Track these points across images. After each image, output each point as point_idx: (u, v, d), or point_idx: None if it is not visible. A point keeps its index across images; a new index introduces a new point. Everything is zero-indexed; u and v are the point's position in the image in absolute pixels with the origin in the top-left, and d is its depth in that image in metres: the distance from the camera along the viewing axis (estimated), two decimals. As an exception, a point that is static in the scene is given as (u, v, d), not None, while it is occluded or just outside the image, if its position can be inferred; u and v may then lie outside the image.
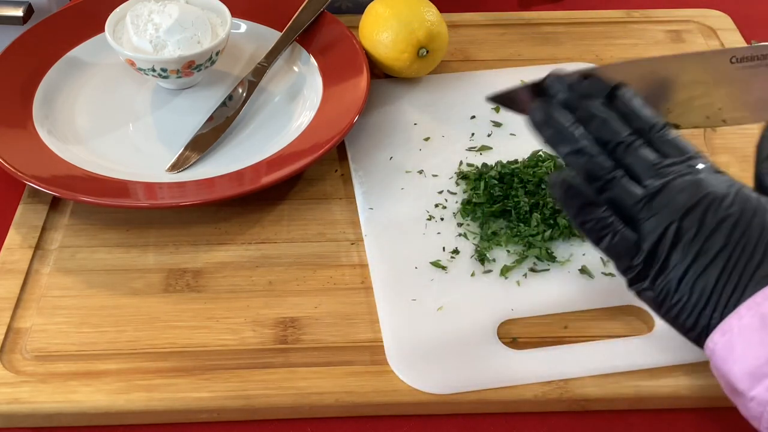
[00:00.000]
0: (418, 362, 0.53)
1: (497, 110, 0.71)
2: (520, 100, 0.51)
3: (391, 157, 0.67)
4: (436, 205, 0.63)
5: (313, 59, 0.76)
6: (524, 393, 0.52)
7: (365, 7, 0.75)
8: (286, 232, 0.63)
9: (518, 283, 0.57)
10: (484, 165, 0.65)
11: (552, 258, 0.58)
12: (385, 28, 0.72)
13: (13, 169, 0.62)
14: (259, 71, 0.73)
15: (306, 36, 0.78)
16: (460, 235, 0.60)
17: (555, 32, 0.83)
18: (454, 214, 0.62)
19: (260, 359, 0.54)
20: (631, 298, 0.50)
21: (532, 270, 0.58)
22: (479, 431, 0.52)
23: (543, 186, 0.62)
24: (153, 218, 0.63)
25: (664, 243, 0.45)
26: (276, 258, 0.61)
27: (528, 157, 0.65)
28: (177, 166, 0.66)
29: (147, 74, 0.71)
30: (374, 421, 0.53)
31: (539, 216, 0.60)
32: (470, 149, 0.68)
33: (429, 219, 0.62)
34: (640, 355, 0.54)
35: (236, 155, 0.67)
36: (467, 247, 0.59)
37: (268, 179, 0.63)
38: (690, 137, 0.69)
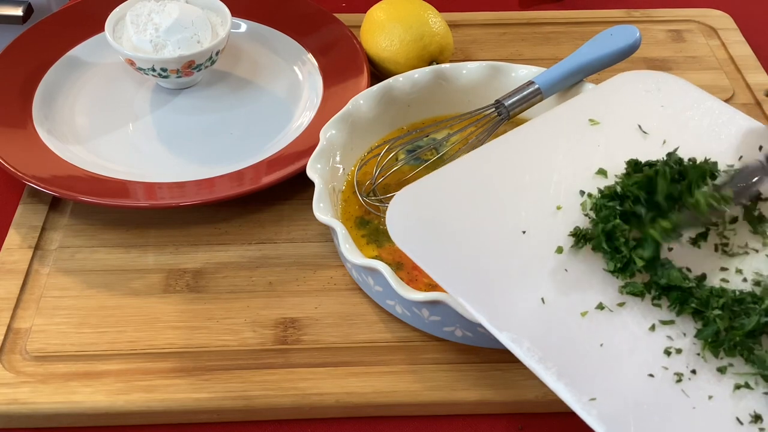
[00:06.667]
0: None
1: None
2: None
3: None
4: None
5: (313, 59, 0.76)
6: (525, 394, 0.52)
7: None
8: (286, 232, 0.63)
9: None
10: None
11: None
12: (387, 32, 0.72)
13: (12, 169, 0.62)
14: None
15: (306, 36, 0.77)
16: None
17: (555, 32, 0.83)
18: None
19: (260, 360, 0.54)
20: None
21: None
22: (480, 432, 0.52)
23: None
24: (153, 218, 0.63)
25: None
26: (276, 258, 0.61)
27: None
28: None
29: (147, 74, 0.70)
30: (374, 422, 0.53)
31: None
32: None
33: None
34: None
35: (236, 155, 0.67)
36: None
37: (268, 179, 0.63)
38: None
